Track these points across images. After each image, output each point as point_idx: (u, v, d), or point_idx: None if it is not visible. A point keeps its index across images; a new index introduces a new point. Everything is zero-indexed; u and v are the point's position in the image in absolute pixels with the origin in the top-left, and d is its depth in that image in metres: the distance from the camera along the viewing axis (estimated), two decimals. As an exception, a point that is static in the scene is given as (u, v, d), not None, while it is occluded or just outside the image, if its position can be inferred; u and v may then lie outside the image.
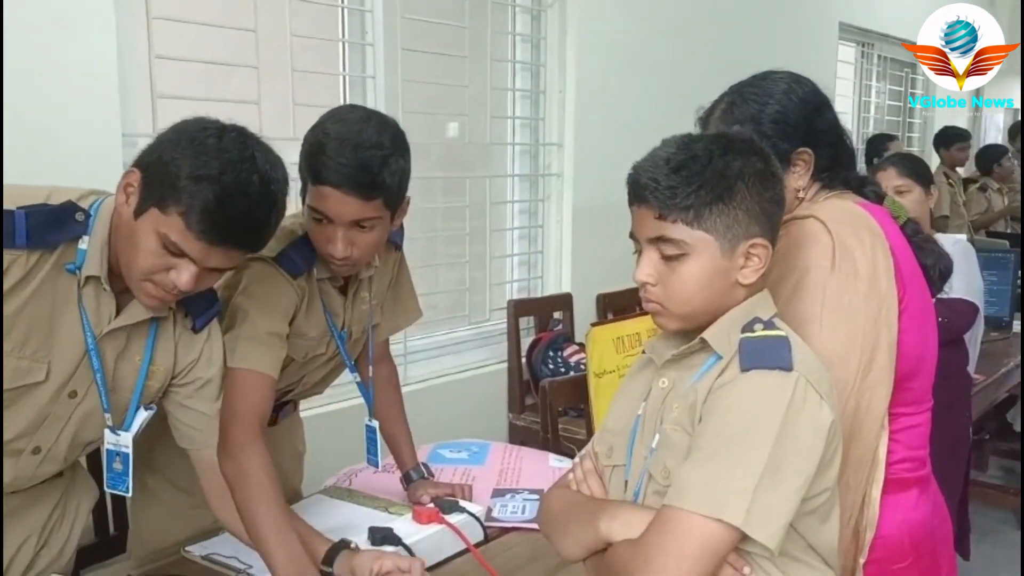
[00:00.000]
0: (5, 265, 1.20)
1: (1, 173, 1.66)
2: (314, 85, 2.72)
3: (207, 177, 1.17)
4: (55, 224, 1.24)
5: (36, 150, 1.97)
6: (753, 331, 1.09)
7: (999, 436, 4.00)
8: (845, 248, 1.25)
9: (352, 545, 1.38)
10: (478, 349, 3.27)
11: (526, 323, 3.33)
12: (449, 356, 3.18)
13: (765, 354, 1.06)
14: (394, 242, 1.79)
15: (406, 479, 1.81)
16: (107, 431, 1.37)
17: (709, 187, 1.08)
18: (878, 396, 1.25)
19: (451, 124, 3.32)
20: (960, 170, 5.80)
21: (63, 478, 1.49)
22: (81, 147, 2.05)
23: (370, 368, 1.79)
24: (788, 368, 1.04)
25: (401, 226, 1.77)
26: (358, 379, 1.76)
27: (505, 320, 3.25)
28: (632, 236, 1.17)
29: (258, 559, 1.40)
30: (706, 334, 1.12)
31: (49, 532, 1.46)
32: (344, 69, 2.80)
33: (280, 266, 1.53)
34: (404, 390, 2.87)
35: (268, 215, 1.23)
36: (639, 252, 1.16)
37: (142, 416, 1.39)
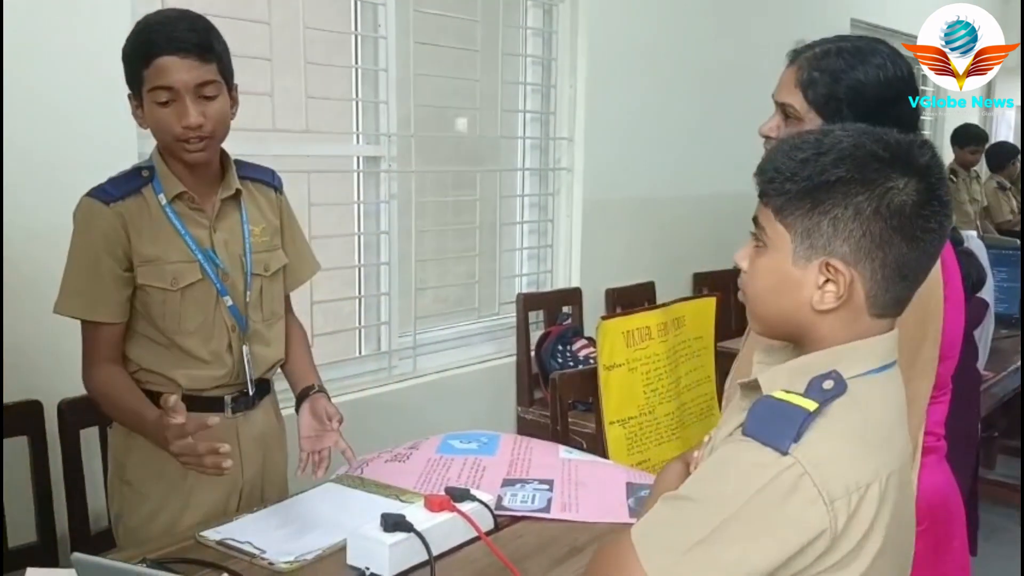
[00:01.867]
0: None
1: (1, 162, 1.68)
2: (326, 78, 2.73)
3: None
4: None
5: (50, 139, 2.00)
6: (802, 390, 0.94)
7: (1007, 434, 3.99)
8: None
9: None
10: (487, 342, 3.29)
11: (535, 317, 3.35)
12: (458, 349, 3.19)
13: (768, 425, 0.92)
14: (272, 184, 1.80)
15: (307, 391, 1.76)
16: None
17: (803, 179, 0.95)
18: (922, 387, 1.25)
19: (462, 118, 3.33)
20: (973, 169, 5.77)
21: None
22: (96, 136, 2.07)
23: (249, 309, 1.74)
24: (783, 451, 0.90)
25: (274, 172, 1.81)
26: (230, 302, 1.68)
27: (514, 314, 3.26)
28: None
29: (272, 543, 1.42)
30: (763, 376, 1.01)
31: None
32: (356, 62, 2.81)
33: (92, 197, 1.60)
34: (413, 383, 2.95)
35: None
36: None
37: None
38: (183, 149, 1.57)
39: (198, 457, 1.45)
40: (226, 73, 1.60)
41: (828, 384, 0.94)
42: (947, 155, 6.00)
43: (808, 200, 0.95)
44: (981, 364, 2.78)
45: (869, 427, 0.95)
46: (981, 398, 2.77)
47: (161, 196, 1.62)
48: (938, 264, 1.26)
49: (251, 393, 1.74)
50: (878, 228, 0.93)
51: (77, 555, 0.99)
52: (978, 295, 2.57)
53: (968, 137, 5.55)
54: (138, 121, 1.61)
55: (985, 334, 2.81)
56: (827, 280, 0.95)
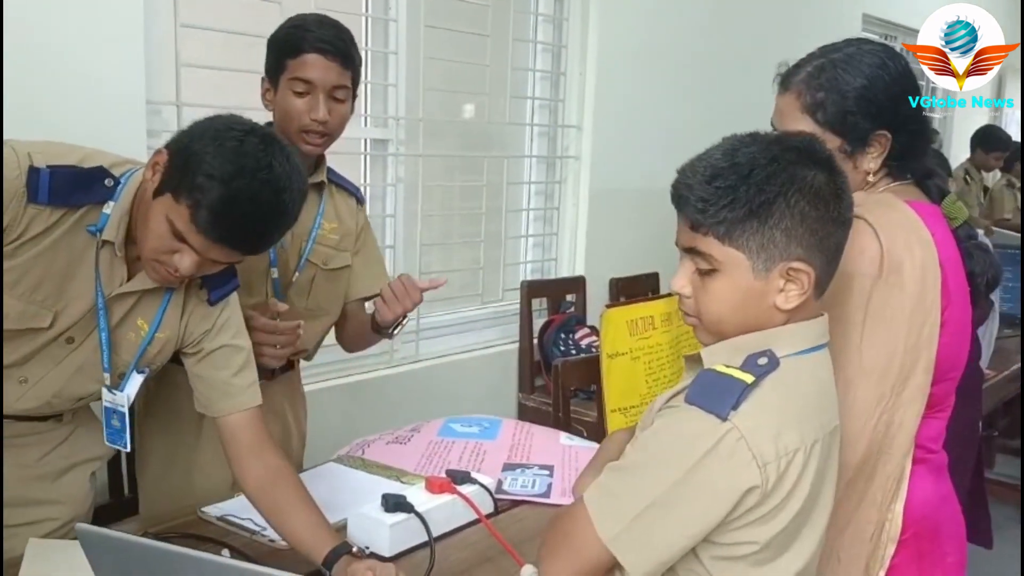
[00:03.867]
0: (28, 218, 1.25)
1: (1, 131, 1.69)
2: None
3: (219, 178, 1.19)
4: (80, 186, 1.28)
5: (62, 116, 1.99)
6: (739, 364, 1.03)
7: (1007, 433, 4.00)
8: (894, 259, 1.21)
9: (354, 549, 1.33)
10: (490, 328, 3.29)
11: (538, 304, 3.34)
12: (461, 334, 3.19)
13: (711, 394, 1.01)
14: (356, 195, 1.89)
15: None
16: (104, 389, 1.42)
17: (743, 201, 1.00)
18: (911, 414, 1.24)
19: (470, 104, 3.32)
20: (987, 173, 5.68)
21: (63, 425, 1.52)
22: (106, 113, 2.06)
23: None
24: (723, 417, 0.99)
25: (359, 188, 1.93)
26: (276, 275, 1.74)
27: (518, 301, 3.26)
28: (676, 243, 1.11)
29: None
30: (705, 350, 1.09)
31: (49, 477, 1.50)
32: (366, 44, 2.80)
33: None
34: (415, 366, 2.96)
35: (274, 224, 1.26)
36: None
37: (137, 380, 1.43)
38: (302, 139, 1.66)
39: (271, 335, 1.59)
40: (355, 83, 1.71)
41: (763, 360, 1.03)
42: (957, 154, 5.96)
43: (755, 219, 1.01)
44: (984, 362, 2.78)
45: (798, 400, 1.04)
46: (983, 395, 2.77)
47: None
48: (937, 290, 1.24)
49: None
50: (819, 224, 1.03)
51: (81, 526, 1.00)
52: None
53: (994, 141, 5.35)
54: (265, 104, 1.71)
55: (989, 332, 2.81)
56: (787, 281, 1.03)
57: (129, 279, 1.36)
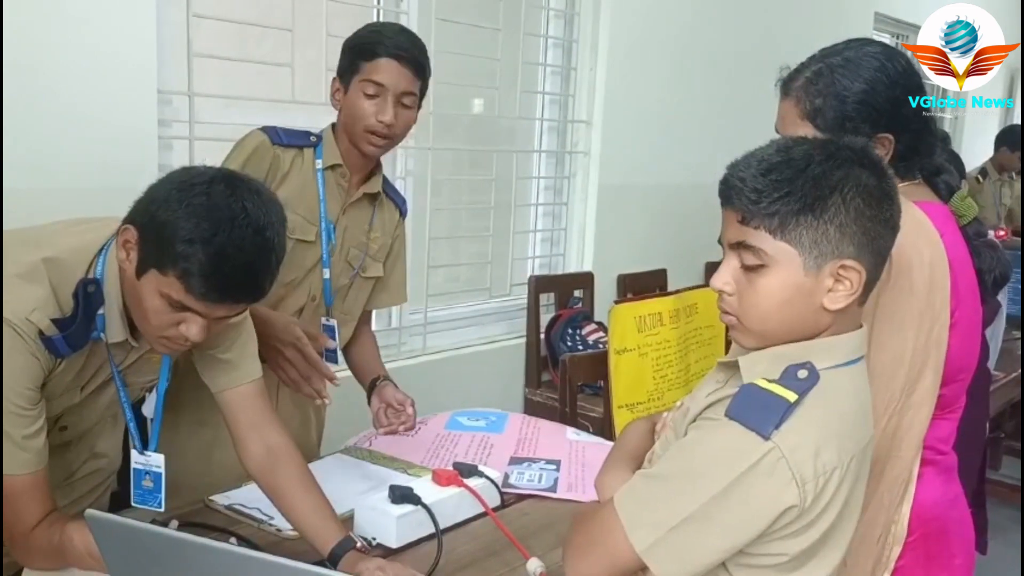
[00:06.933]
0: (59, 367, 1.28)
1: (1, 130, 1.68)
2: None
3: (199, 240, 1.15)
4: (86, 324, 1.27)
5: (73, 106, 2.00)
6: (778, 378, 1.01)
7: (1013, 435, 3.99)
8: (903, 262, 1.20)
9: (359, 544, 1.33)
10: (497, 323, 3.30)
11: (546, 299, 3.35)
12: (469, 328, 3.20)
13: (753, 411, 0.99)
14: (400, 207, 1.93)
15: (375, 381, 1.94)
16: (134, 452, 1.43)
17: (798, 195, 0.99)
18: (919, 417, 1.24)
19: (480, 98, 3.32)
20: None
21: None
22: (117, 103, 2.07)
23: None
24: (765, 436, 0.97)
25: (404, 200, 1.96)
26: (327, 275, 1.78)
27: (525, 296, 3.26)
28: (720, 241, 1.09)
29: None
30: (743, 358, 1.06)
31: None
32: (377, 37, 2.80)
33: (264, 132, 1.71)
34: (423, 360, 2.97)
35: (267, 264, 1.23)
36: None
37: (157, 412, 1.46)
38: (366, 140, 1.72)
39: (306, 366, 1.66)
40: (423, 93, 1.78)
41: (803, 373, 1.01)
42: (969, 154, 5.91)
43: (809, 213, 0.99)
44: (991, 364, 2.77)
45: (838, 416, 1.03)
46: (990, 397, 2.76)
47: (319, 161, 1.76)
48: (946, 291, 1.24)
49: None
50: (870, 223, 1.01)
51: (91, 512, 1.00)
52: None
53: (1001, 140, 5.33)
54: (333, 103, 1.78)
55: (996, 333, 2.80)
56: (836, 281, 1.01)
57: (135, 338, 1.35)
